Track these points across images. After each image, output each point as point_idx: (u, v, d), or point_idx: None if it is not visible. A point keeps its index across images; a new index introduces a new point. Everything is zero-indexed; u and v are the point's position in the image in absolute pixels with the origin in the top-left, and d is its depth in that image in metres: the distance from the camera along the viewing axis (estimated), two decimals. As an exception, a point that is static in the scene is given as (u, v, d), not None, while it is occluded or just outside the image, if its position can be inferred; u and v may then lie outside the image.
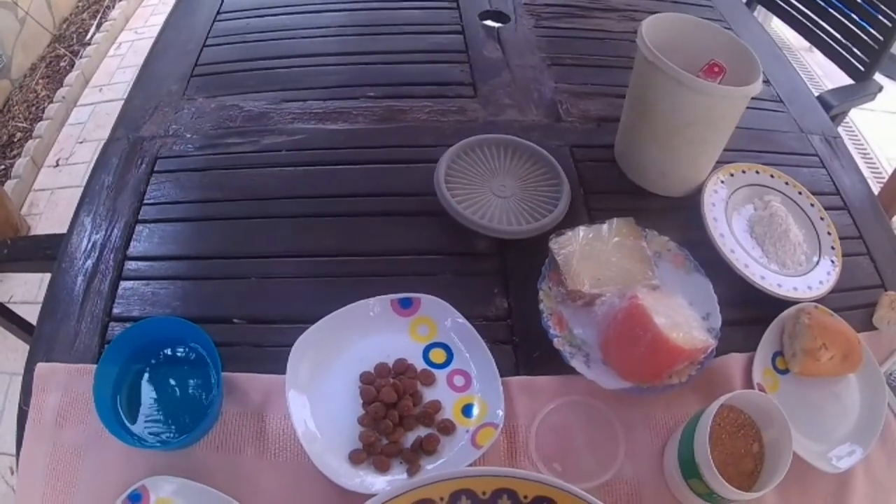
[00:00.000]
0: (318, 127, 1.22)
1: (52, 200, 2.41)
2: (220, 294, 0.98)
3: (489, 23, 1.49)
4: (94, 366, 0.84)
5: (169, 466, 0.80)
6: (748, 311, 0.96)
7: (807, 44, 1.96)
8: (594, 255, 0.94)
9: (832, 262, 1.03)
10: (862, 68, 1.75)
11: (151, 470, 0.79)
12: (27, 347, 0.94)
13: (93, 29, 3.18)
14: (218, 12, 1.52)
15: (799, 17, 1.91)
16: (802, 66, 3.00)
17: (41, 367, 0.88)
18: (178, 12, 1.55)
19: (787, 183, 1.12)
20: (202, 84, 1.32)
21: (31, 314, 1.03)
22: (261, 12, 1.52)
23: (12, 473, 1.70)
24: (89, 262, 1.01)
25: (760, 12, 2.10)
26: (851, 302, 1.01)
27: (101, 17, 3.26)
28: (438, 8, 1.53)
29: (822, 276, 1.01)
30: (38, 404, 0.85)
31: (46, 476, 0.80)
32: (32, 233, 2.28)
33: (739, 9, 1.68)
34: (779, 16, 1.99)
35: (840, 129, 1.43)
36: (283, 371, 0.83)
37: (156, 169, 1.14)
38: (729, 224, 1.05)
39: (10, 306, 1.33)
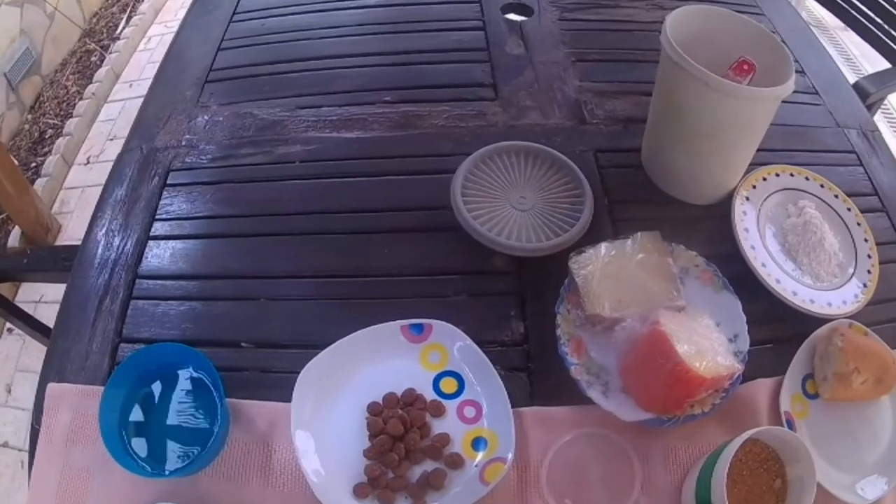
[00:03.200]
0: (332, 136, 1.19)
1: (82, 198, 2.42)
2: (230, 316, 0.97)
3: (512, 16, 1.44)
4: (102, 388, 0.83)
5: (175, 493, 0.79)
6: (779, 330, 0.91)
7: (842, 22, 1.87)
8: (616, 273, 0.89)
9: (868, 272, 0.98)
10: (900, 49, 1.65)
11: (157, 496, 0.79)
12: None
13: (122, 23, 3.19)
14: (234, 13, 1.49)
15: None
16: (838, 46, 2.86)
17: (52, 388, 0.88)
18: (194, 13, 1.53)
19: (822, 186, 1.06)
20: (216, 90, 1.30)
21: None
22: (276, 11, 1.49)
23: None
24: (101, 280, 1.00)
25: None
26: (889, 314, 0.96)
27: (130, 11, 3.27)
28: (459, 2, 1.48)
29: (857, 290, 0.95)
30: (50, 424, 0.86)
31: (57, 498, 0.81)
32: (63, 231, 2.31)
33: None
34: (813, -5, 1.89)
35: (878, 115, 1.35)
36: (290, 398, 0.81)
37: (168, 182, 1.13)
38: (761, 234, 0.99)
39: (41, 306, 1.34)
